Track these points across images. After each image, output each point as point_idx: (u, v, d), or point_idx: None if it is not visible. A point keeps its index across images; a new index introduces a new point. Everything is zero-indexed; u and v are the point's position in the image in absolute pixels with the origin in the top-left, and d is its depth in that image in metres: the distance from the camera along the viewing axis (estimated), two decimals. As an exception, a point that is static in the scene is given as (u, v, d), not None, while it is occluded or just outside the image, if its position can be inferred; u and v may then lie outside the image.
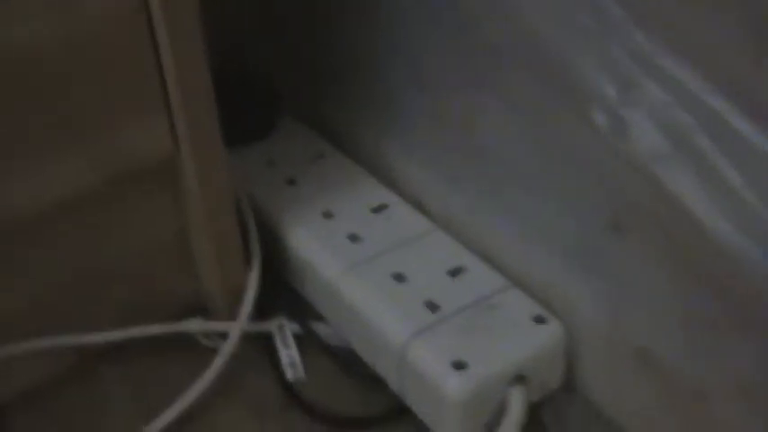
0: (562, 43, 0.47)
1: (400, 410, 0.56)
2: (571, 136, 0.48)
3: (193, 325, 0.61)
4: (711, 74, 0.41)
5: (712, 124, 0.41)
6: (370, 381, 0.57)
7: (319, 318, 0.61)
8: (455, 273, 0.58)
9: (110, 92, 0.52)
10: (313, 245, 0.61)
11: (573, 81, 0.47)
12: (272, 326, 0.61)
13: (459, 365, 0.51)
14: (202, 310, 0.62)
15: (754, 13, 0.38)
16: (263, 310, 0.61)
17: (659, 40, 0.42)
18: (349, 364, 0.59)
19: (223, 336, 0.60)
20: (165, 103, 0.54)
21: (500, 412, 0.52)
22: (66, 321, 0.57)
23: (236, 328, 0.59)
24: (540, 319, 0.54)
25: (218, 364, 0.58)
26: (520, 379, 0.53)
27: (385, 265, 0.58)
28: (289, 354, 0.60)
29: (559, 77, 0.48)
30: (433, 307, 0.55)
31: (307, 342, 0.61)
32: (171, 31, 0.51)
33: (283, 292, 0.64)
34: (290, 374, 0.59)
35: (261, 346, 0.61)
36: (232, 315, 0.60)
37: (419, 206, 0.64)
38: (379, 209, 0.63)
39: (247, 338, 0.60)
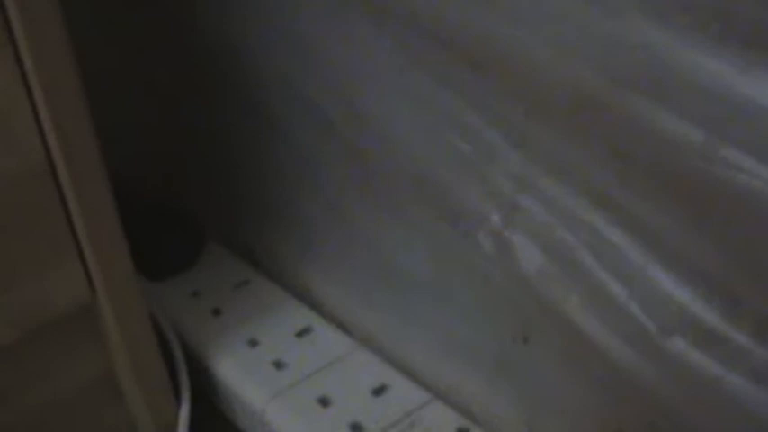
0: (444, 168, 0.49)
1: None
2: (465, 257, 0.50)
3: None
4: (586, 191, 0.42)
5: (591, 240, 0.42)
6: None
7: (252, 444, 0.62)
8: (378, 391, 0.59)
9: (19, 246, 0.53)
10: (239, 375, 0.62)
11: (459, 207, 0.48)
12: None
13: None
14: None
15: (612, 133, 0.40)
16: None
17: (536, 163, 0.44)
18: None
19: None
20: (78, 250, 0.55)
21: None
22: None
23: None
24: (463, 431, 0.55)
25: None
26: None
27: (310, 389, 0.59)
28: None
29: (446, 203, 0.49)
30: (358, 428, 0.56)
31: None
32: (77, 185, 0.52)
33: (216, 421, 0.64)
34: None
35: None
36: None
37: (341, 326, 0.65)
38: (302, 332, 0.64)
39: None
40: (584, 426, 0.49)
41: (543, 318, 0.47)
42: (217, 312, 0.68)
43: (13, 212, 0.52)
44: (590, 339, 0.44)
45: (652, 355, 0.41)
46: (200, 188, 0.75)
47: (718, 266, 0.39)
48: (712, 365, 0.40)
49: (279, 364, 0.62)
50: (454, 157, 0.48)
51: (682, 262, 0.40)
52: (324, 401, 0.58)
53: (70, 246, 0.55)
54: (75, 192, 0.53)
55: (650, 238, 0.40)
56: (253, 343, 0.64)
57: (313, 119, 0.59)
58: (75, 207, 0.53)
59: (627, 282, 0.42)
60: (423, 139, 0.50)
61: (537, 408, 0.52)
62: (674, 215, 0.39)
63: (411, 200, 0.53)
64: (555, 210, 0.44)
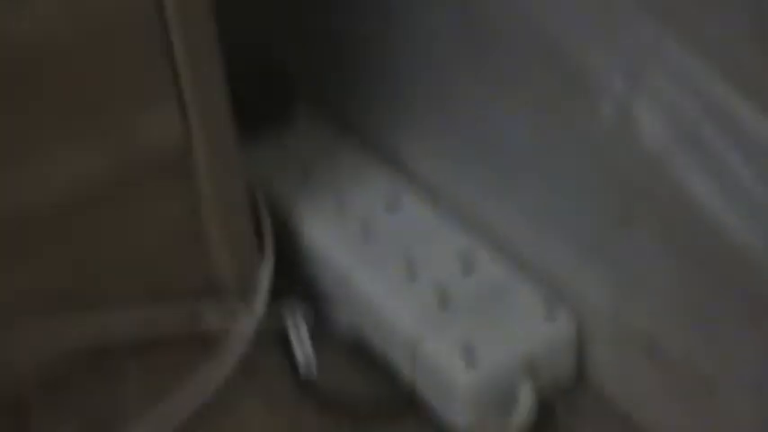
0: (569, 34, 0.47)
1: (413, 402, 0.56)
2: (579, 127, 0.48)
3: (208, 316, 0.61)
4: (717, 63, 0.40)
5: (719, 115, 0.41)
6: (383, 372, 0.57)
7: (332, 309, 0.61)
8: (467, 264, 0.58)
9: (120, 80, 0.52)
10: (326, 236, 0.61)
11: (580, 72, 0.47)
12: (285, 316, 0.61)
13: (470, 358, 0.52)
14: (218, 302, 0.62)
15: (757, 3, 0.38)
16: (276, 300, 0.61)
17: (666, 30, 0.42)
18: (362, 356, 0.59)
19: (237, 326, 0.60)
20: (177, 90, 0.54)
21: (511, 405, 0.52)
22: (82, 310, 0.58)
23: (250, 321, 0.59)
24: (551, 312, 0.54)
25: (231, 354, 0.58)
26: (531, 371, 0.53)
27: (398, 256, 0.58)
28: (302, 345, 0.60)
29: (567, 68, 0.48)
30: (445, 299, 0.55)
31: (320, 334, 0.61)
32: (182, 16, 0.51)
33: (297, 282, 0.64)
34: (303, 369, 0.59)
35: (275, 337, 0.61)
36: (246, 305, 0.60)
37: (433, 196, 0.63)
38: (392, 200, 0.63)
39: (261, 330, 0.60)
40: (679, 309, 0.48)
41: (654, 197, 0.45)
42: (306, 173, 0.67)
43: (118, 39, 0.51)
44: (703, 218, 0.42)
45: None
46: (298, 49, 0.74)
47: None
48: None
49: (366, 229, 0.61)
50: (580, 20, 0.46)
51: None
52: (411, 270, 0.58)
53: (170, 82, 0.54)
54: (180, 28, 0.52)
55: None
56: (341, 206, 0.63)
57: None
58: (179, 44, 0.52)
59: (754, 163, 0.40)
60: (546, 3, 0.48)
61: (629, 291, 0.51)
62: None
63: (529, 67, 0.51)
64: (683, 81, 0.42)
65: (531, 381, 0.52)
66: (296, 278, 0.64)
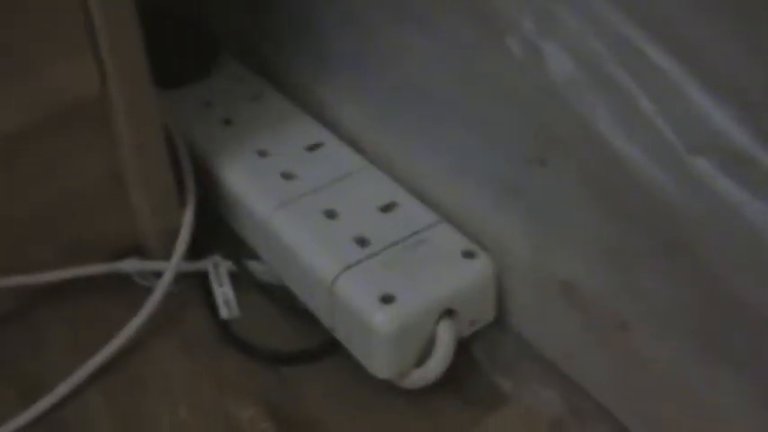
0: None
1: (334, 345, 0.56)
2: (491, 68, 0.49)
3: (128, 265, 0.61)
4: (625, 2, 0.41)
5: (626, 53, 0.41)
6: (304, 317, 0.58)
7: (254, 255, 0.61)
8: (386, 209, 0.58)
9: (33, 32, 0.52)
10: (247, 182, 0.61)
11: (491, 10, 0.47)
12: (207, 264, 0.61)
13: (387, 299, 0.52)
14: (139, 250, 0.62)
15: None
16: (198, 248, 0.61)
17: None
18: (283, 300, 0.59)
19: (159, 275, 0.60)
20: (92, 41, 0.54)
21: (430, 346, 0.53)
22: (2, 263, 0.57)
23: (170, 268, 0.59)
24: (469, 253, 0.55)
25: (152, 302, 0.58)
26: (449, 313, 0.53)
27: (317, 201, 0.59)
28: (223, 292, 0.60)
29: (478, 6, 0.48)
30: (363, 242, 0.56)
31: (241, 280, 0.61)
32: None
33: (219, 230, 0.64)
34: (224, 312, 0.59)
35: (196, 284, 0.61)
36: (168, 254, 0.60)
37: (354, 144, 0.64)
38: (314, 147, 0.63)
39: (183, 277, 0.61)
40: (595, 251, 0.49)
41: (565, 135, 0.46)
42: (228, 122, 0.67)
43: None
44: (613, 157, 0.43)
45: (676, 174, 0.40)
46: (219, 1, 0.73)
47: (757, 88, 0.37)
48: (737, 189, 0.39)
49: (287, 176, 0.61)
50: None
51: (719, 80, 0.38)
52: (330, 214, 0.58)
53: (83, 34, 0.53)
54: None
55: (688, 53, 0.39)
56: (262, 154, 0.63)
57: None
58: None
59: (659, 98, 0.40)
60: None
61: (546, 234, 0.52)
62: (719, 32, 0.38)
63: (440, 6, 0.51)
64: (590, 19, 0.42)
65: (449, 324, 0.53)
66: (218, 226, 0.64)
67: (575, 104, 0.44)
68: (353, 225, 0.57)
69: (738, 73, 0.38)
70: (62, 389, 0.55)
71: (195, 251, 0.61)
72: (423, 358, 0.53)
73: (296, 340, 0.58)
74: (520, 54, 0.46)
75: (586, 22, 0.43)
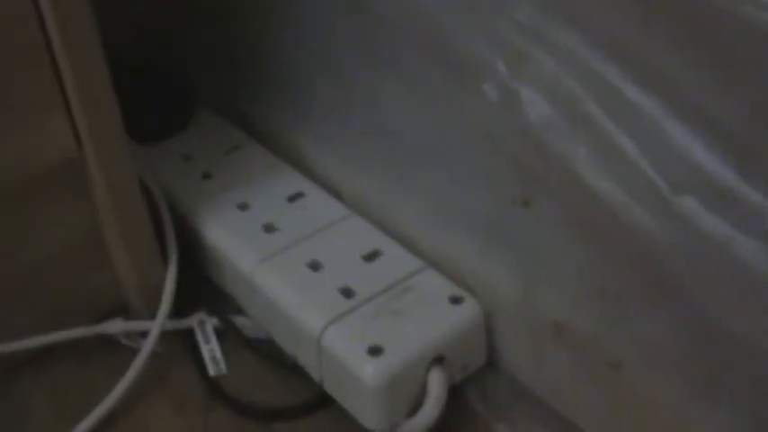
0: (451, 18, 0.47)
1: (324, 399, 0.55)
2: (468, 113, 0.48)
3: (113, 326, 0.60)
4: (600, 41, 0.41)
5: (603, 92, 0.41)
6: (293, 371, 0.57)
7: (239, 311, 0.61)
8: (370, 257, 0.57)
9: (5, 96, 0.52)
10: (229, 237, 0.61)
11: (464, 57, 0.47)
12: (192, 321, 0.61)
13: (375, 351, 0.51)
14: (123, 310, 0.61)
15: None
16: (183, 305, 0.61)
17: (546, 11, 0.42)
18: (270, 355, 0.59)
19: (144, 335, 0.59)
20: (65, 102, 0.53)
21: (422, 395, 0.52)
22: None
23: (155, 327, 0.59)
24: (456, 299, 0.54)
25: (138, 363, 0.57)
26: (439, 360, 0.52)
27: (300, 253, 0.58)
28: (210, 349, 0.59)
29: (450, 53, 0.47)
30: (348, 293, 0.55)
31: (228, 336, 0.60)
32: (63, 29, 0.51)
33: (203, 286, 0.63)
34: (211, 369, 0.59)
35: (182, 342, 0.60)
36: (152, 313, 0.60)
37: (335, 193, 0.63)
38: (294, 197, 0.63)
39: (168, 336, 0.60)
40: (583, 291, 0.48)
41: (547, 177, 0.45)
42: (207, 176, 0.66)
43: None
44: (596, 198, 0.42)
45: (661, 214, 0.40)
46: (195, 52, 0.73)
47: (737, 123, 0.37)
48: (723, 226, 0.38)
49: (269, 228, 0.60)
50: (459, 4, 0.46)
51: (698, 116, 0.38)
52: (314, 266, 0.57)
53: (57, 98, 0.53)
54: (62, 41, 0.51)
55: (666, 90, 0.39)
56: (243, 207, 0.63)
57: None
58: (62, 58, 0.52)
59: (639, 136, 0.40)
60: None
61: (534, 275, 0.51)
62: (695, 66, 0.38)
63: (413, 53, 0.51)
64: (565, 60, 0.42)
65: (439, 371, 0.52)
66: (202, 282, 0.63)
67: (554, 146, 0.43)
68: (338, 276, 0.56)
69: (718, 108, 0.38)
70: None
71: (180, 308, 0.61)
72: (415, 407, 0.52)
73: (286, 395, 0.57)
74: (497, 98, 0.45)
75: (560, 62, 0.42)
